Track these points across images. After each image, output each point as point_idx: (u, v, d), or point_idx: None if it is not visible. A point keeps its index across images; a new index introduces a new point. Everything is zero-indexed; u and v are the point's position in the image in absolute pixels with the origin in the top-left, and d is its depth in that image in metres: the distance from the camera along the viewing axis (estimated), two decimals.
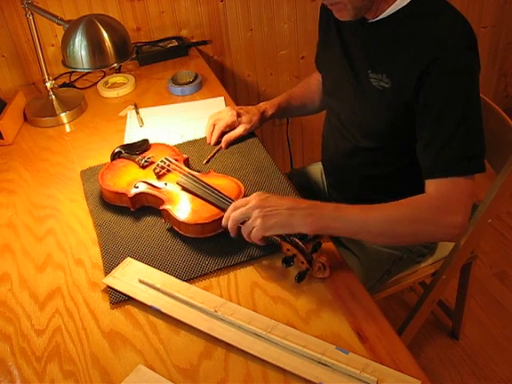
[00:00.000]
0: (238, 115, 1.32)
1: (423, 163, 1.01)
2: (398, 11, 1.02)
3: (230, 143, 1.32)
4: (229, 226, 0.98)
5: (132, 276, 0.98)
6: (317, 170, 1.54)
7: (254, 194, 0.98)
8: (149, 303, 0.93)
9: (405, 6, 1.02)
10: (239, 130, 1.32)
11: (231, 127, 1.32)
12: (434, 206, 0.95)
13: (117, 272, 1.00)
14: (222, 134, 1.32)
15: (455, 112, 0.96)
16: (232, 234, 0.99)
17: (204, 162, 1.27)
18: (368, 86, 1.09)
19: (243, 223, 0.96)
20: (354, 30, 1.11)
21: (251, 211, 0.94)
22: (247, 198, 0.98)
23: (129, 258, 1.03)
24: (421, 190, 1.12)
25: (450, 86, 0.95)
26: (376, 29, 1.06)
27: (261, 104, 1.39)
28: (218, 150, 1.31)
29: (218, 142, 1.32)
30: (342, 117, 1.23)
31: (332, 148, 1.31)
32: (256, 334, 0.85)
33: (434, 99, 0.97)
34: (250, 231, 0.94)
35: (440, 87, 0.96)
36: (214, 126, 1.33)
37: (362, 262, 1.25)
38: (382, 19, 1.04)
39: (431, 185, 0.98)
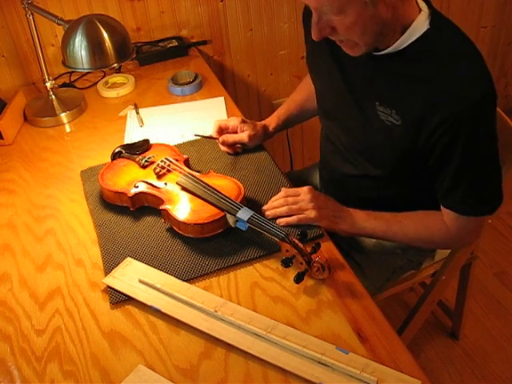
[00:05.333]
0: (243, 121, 1.29)
1: (445, 203, 1.06)
2: (408, 46, 0.96)
3: (233, 148, 1.29)
4: (277, 204, 1.07)
5: (132, 276, 0.98)
6: (315, 175, 1.52)
7: (306, 188, 1.09)
8: (149, 303, 0.93)
9: (415, 42, 0.95)
10: (242, 136, 1.28)
11: (233, 130, 1.30)
12: (451, 236, 1.09)
13: (117, 272, 1.00)
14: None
15: (477, 162, 0.98)
16: (276, 214, 1.07)
17: (194, 133, 1.28)
18: (375, 118, 1.05)
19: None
20: (357, 59, 1.02)
21: (307, 202, 1.06)
22: (298, 189, 1.10)
23: (129, 258, 1.03)
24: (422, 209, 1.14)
25: (469, 143, 0.94)
26: (385, 62, 1.00)
27: (260, 122, 1.35)
28: (210, 137, 1.30)
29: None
30: (343, 140, 1.19)
31: (333, 167, 1.28)
32: (256, 334, 0.85)
33: (454, 152, 0.96)
34: (299, 214, 1.05)
35: (458, 145, 0.94)
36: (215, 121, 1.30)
37: (364, 270, 1.24)
38: (390, 53, 0.98)
39: (451, 215, 1.06)
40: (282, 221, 1.06)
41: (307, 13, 1.16)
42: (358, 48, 0.97)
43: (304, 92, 1.42)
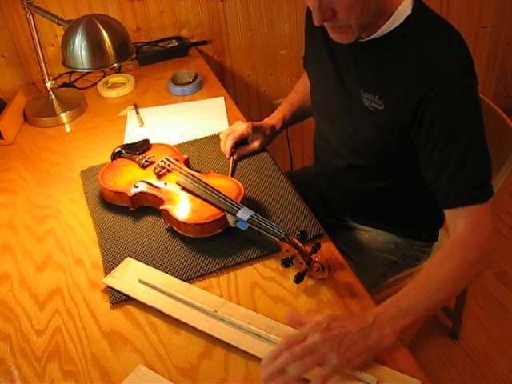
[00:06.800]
0: (253, 128, 1.28)
1: (438, 193, 0.99)
2: (391, 32, 0.99)
3: (243, 156, 1.29)
4: (280, 365, 0.77)
5: (132, 276, 0.98)
6: (311, 177, 1.51)
7: (309, 325, 0.80)
8: (149, 303, 0.93)
9: (398, 27, 0.98)
10: (254, 145, 1.29)
11: (246, 138, 1.29)
12: (472, 244, 0.93)
13: (117, 272, 1.00)
14: (237, 146, 1.28)
15: (461, 140, 0.94)
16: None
17: (229, 175, 1.23)
18: (360, 105, 1.06)
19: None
20: (345, 46, 1.05)
21: (320, 347, 0.77)
22: (301, 332, 0.80)
23: (129, 258, 1.03)
24: (413, 202, 1.16)
25: (453, 115, 0.94)
26: (369, 48, 1.02)
27: (266, 120, 1.35)
28: (235, 163, 1.27)
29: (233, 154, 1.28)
30: (331, 132, 1.20)
31: (324, 162, 1.29)
32: (256, 334, 0.85)
33: (437, 130, 0.95)
34: (326, 372, 0.77)
35: (442, 118, 0.94)
36: (229, 136, 1.28)
37: (359, 266, 1.24)
38: (374, 39, 1.00)
39: (456, 219, 0.95)
40: None
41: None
42: (351, 33, 0.98)
43: (301, 92, 1.42)
